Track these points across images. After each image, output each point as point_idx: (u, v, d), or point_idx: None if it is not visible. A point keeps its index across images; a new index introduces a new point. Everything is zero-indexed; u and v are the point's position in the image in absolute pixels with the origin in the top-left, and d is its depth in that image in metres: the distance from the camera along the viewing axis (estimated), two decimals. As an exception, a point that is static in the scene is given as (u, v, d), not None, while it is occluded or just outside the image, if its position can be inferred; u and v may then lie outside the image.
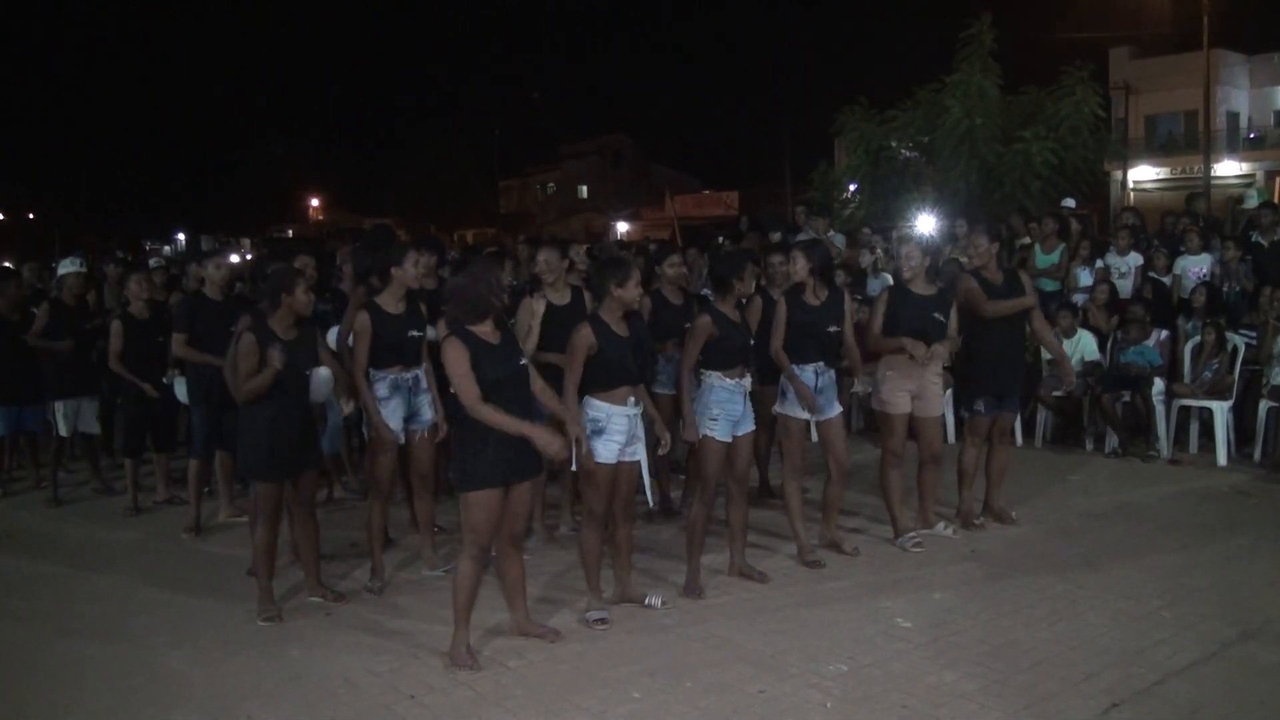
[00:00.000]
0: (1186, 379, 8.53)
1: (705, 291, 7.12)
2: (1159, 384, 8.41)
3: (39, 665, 4.81)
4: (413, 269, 5.63)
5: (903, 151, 15.39)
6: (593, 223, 42.95)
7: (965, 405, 6.66)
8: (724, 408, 5.33)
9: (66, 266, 8.16)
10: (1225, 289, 9.17)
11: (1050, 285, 9.65)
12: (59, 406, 7.75)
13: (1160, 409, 8.35)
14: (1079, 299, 9.45)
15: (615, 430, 4.92)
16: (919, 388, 6.14)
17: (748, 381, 5.45)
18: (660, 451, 5.36)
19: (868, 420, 8.85)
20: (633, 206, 46.06)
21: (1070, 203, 12.51)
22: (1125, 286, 9.51)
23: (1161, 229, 11.33)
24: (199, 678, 4.58)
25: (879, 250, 10.57)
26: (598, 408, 4.91)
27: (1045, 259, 9.94)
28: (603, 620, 5.00)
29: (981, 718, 4.01)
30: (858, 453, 6.72)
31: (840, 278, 7.92)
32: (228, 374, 5.45)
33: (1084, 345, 8.66)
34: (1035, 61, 16.67)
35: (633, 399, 4.95)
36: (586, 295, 6.14)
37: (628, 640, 4.84)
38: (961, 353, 6.50)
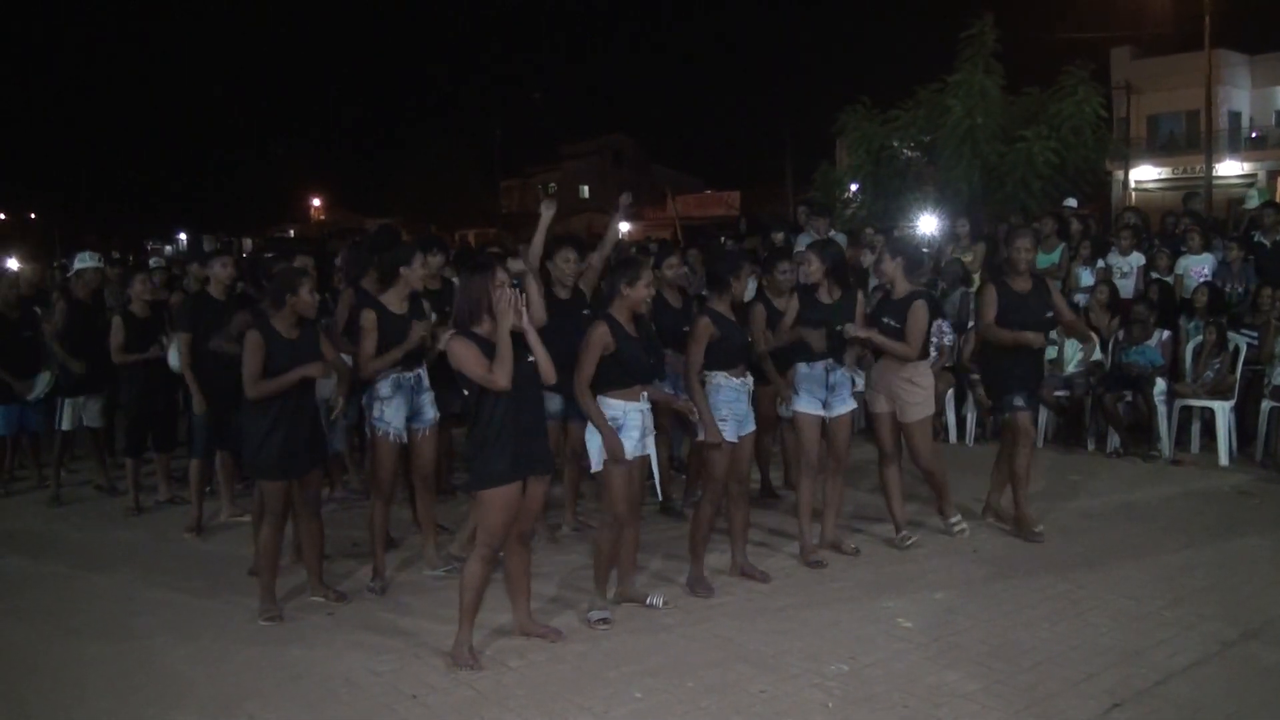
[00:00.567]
0: (1188, 379, 8.52)
1: (703, 292, 7.11)
2: (1161, 384, 8.40)
3: (40, 664, 4.81)
4: (420, 269, 5.64)
5: (904, 151, 15.38)
6: (594, 223, 42.88)
7: (1004, 405, 6.42)
8: (731, 408, 5.34)
9: (85, 261, 8.15)
10: (1228, 290, 9.16)
11: (1051, 285, 9.64)
12: (67, 404, 7.76)
13: (1162, 409, 8.34)
14: (1080, 299, 9.44)
15: (632, 426, 4.95)
16: (891, 391, 6.04)
17: (750, 380, 5.46)
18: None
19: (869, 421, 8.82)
20: (634, 206, 46.01)
21: (1072, 203, 12.50)
22: (1127, 286, 9.49)
23: (1162, 229, 11.33)
24: (200, 677, 4.59)
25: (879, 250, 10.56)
26: (614, 406, 4.93)
27: (1045, 258, 9.91)
28: (605, 621, 5.00)
29: (982, 718, 4.00)
30: (858, 451, 6.70)
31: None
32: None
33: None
34: (1037, 61, 16.67)
35: (644, 394, 5.02)
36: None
37: (629, 640, 4.84)
38: (989, 351, 6.45)
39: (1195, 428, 8.56)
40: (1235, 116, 34.41)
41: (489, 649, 4.71)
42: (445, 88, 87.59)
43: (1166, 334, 8.66)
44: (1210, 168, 26.47)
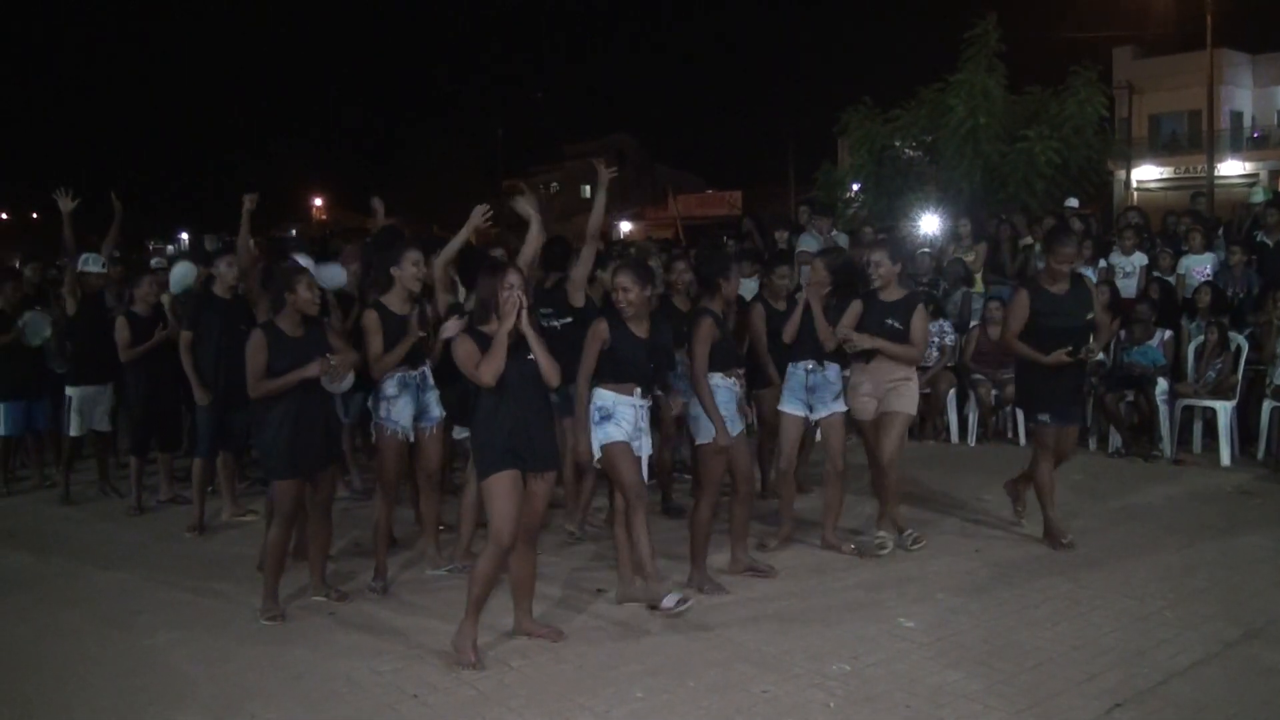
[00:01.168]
0: (1190, 379, 8.52)
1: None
2: (1162, 384, 8.41)
3: (42, 663, 4.81)
4: (410, 269, 5.63)
5: (906, 151, 15.39)
6: (595, 223, 42.88)
7: (1029, 416, 6.47)
8: (728, 408, 5.36)
9: (89, 265, 8.16)
10: (1230, 292, 9.16)
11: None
12: (74, 398, 7.74)
13: (1164, 409, 8.34)
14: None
15: (622, 418, 5.04)
16: (879, 392, 5.98)
17: (739, 382, 5.52)
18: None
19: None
20: (636, 206, 46.02)
21: (1074, 202, 12.50)
22: (1129, 286, 9.48)
23: (1163, 228, 11.32)
24: (202, 676, 4.59)
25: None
26: (604, 396, 5.05)
27: (1047, 258, 9.92)
28: (684, 600, 5.03)
29: (984, 718, 4.00)
30: (855, 455, 6.68)
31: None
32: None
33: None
34: (1039, 61, 16.71)
35: (639, 391, 5.08)
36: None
37: (631, 640, 4.84)
38: (1023, 361, 6.19)
39: (1197, 428, 8.56)
40: (1237, 116, 34.40)
41: (491, 649, 4.71)
42: (446, 87, 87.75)
43: (1168, 334, 8.66)
44: (1212, 167, 26.46)
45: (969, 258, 10.38)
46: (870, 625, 4.93)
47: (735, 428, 5.46)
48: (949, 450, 9.06)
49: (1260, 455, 8.12)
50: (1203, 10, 24.78)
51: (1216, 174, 27.59)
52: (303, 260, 6.34)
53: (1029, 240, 10.74)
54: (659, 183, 45.69)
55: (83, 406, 7.78)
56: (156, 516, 7.37)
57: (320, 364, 5.06)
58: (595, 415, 5.04)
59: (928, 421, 9.41)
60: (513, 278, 4.54)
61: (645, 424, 5.15)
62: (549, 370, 4.59)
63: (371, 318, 5.57)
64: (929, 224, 12.90)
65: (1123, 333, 8.75)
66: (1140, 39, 33.84)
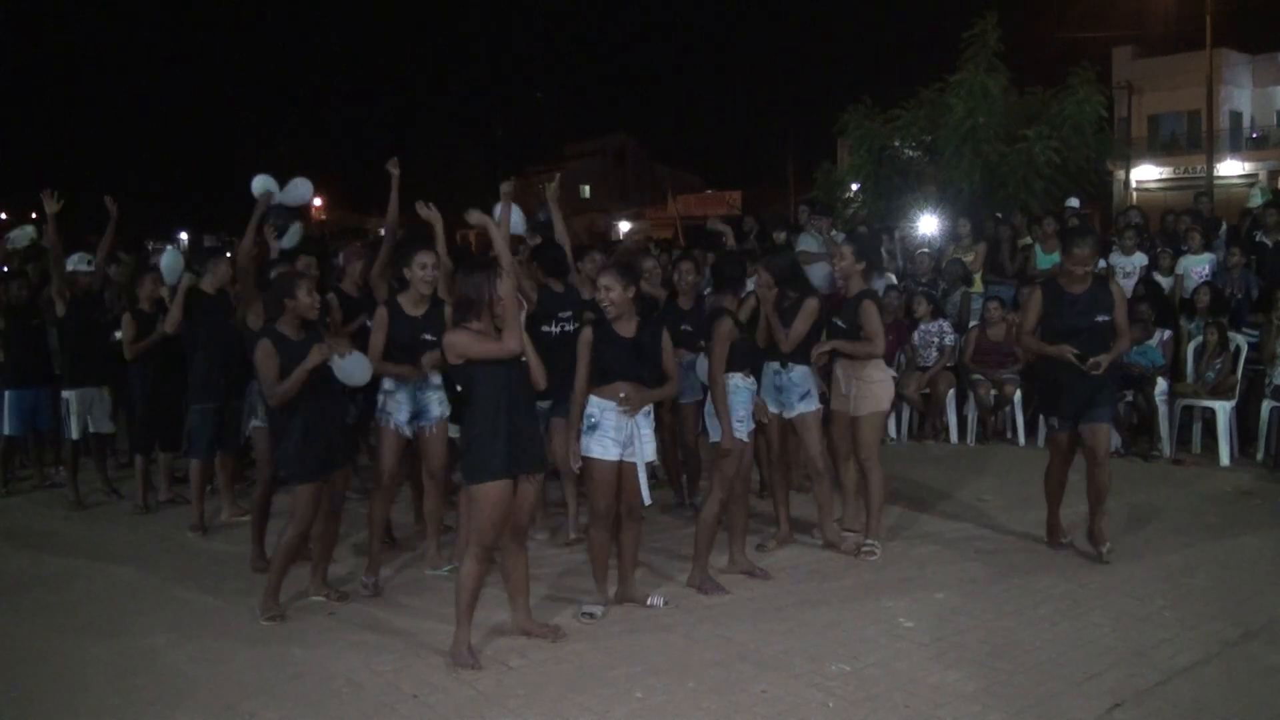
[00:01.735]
0: (1189, 379, 8.52)
1: (706, 291, 7.12)
2: (1162, 384, 8.41)
3: (43, 662, 4.82)
4: (420, 271, 5.64)
5: (906, 151, 15.37)
6: (595, 223, 42.93)
7: (1046, 419, 6.54)
8: (746, 409, 5.39)
9: (76, 264, 8.18)
10: (1227, 294, 9.16)
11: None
12: (72, 401, 7.73)
13: (1163, 409, 8.35)
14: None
15: (609, 427, 5.00)
16: (850, 389, 6.01)
17: (754, 381, 5.51)
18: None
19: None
20: (636, 206, 46.03)
21: (1075, 202, 12.50)
22: (1129, 286, 9.47)
23: (1162, 228, 11.32)
24: (202, 676, 4.59)
25: (882, 250, 10.56)
26: (592, 404, 5.03)
27: (1046, 259, 9.92)
28: (591, 615, 5.04)
29: (984, 718, 4.00)
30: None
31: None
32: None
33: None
34: (1038, 61, 16.69)
35: (623, 394, 4.99)
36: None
37: (630, 640, 4.84)
38: (1040, 362, 6.13)
39: (1196, 428, 8.56)
40: (1236, 116, 34.42)
41: (490, 648, 4.71)
42: (447, 87, 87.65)
43: (1167, 334, 8.66)
44: (1211, 168, 26.49)
45: (968, 258, 10.38)
46: (870, 625, 4.93)
47: (749, 426, 5.47)
48: (949, 450, 9.06)
49: (1260, 455, 8.12)
50: (1202, 10, 24.81)
51: (1215, 174, 27.62)
52: (267, 182, 6.97)
53: (1028, 240, 10.75)
54: (659, 182, 45.72)
55: (81, 409, 7.77)
56: (156, 516, 7.37)
57: (318, 350, 5.03)
58: (585, 423, 5.03)
59: (928, 421, 9.41)
60: (505, 277, 4.52)
61: (645, 428, 5.11)
62: (538, 374, 4.61)
63: (381, 314, 5.60)
64: (928, 224, 12.90)
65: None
66: (1140, 39, 33.85)
